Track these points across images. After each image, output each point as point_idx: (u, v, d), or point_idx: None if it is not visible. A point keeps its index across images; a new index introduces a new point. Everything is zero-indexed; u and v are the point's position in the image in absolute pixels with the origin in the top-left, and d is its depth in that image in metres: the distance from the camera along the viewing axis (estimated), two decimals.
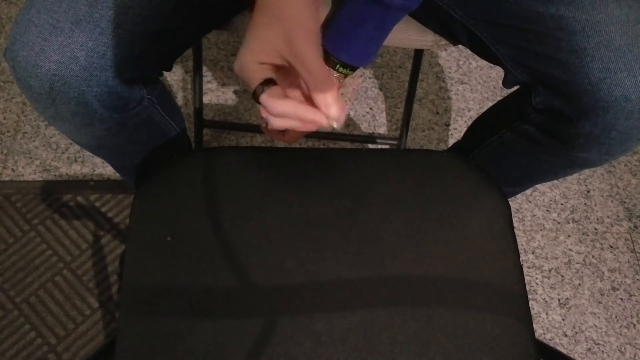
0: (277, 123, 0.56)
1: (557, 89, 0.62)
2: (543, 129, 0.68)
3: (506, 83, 0.70)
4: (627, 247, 1.17)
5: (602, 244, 1.17)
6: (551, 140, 0.68)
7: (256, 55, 0.55)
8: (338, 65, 0.63)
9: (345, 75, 0.66)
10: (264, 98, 0.55)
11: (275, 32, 0.53)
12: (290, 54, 0.53)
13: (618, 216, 1.20)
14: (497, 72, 1.36)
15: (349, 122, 1.28)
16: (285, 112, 0.55)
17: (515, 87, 0.71)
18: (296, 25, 0.53)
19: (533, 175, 0.80)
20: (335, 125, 0.56)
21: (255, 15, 0.54)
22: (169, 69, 0.69)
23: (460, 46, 0.75)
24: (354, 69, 0.65)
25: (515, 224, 1.13)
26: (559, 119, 0.64)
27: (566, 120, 0.63)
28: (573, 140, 0.65)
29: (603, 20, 0.58)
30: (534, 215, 1.19)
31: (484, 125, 0.85)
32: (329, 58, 0.64)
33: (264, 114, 0.56)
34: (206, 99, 1.28)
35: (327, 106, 0.55)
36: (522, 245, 1.16)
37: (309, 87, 0.54)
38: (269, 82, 0.55)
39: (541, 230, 1.18)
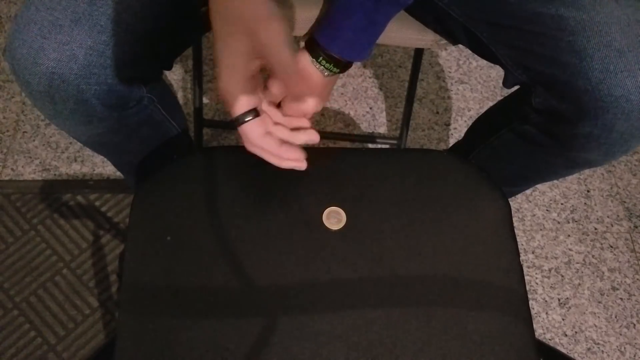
0: (254, 151, 0.58)
1: (556, 90, 0.62)
2: (543, 130, 0.68)
3: (506, 83, 0.69)
4: (627, 247, 1.17)
5: (602, 244, 1.17)
6: (551, 141, 0.68)
7: (234, 69, 0.53)
8: (320, 58, 0.63)
9: (333, 73, 0.65)
10: (243, 129, 0.56)
11: (240, 34, 0.51)
12: (259, 49, 0.52)
13: (618, 216, 1.20)
14: (497, 72, 1.36)
15: (349, 121, 1.28)
16: (263, 147, 0.57)
17: (516, 87, 0.71)
18: (257, 18, 0.51)
19: (533, 175, 0.80)
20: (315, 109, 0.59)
21: (217, 27, 0.53)
22: (169, 68, 0.69)
23: (460, 46, 0.75)
24: (339, 65, 0.64)
25: (515, 224, 1.13)
26: (558, 119, 0.64)
27: (566, 121, 0.63)
28: (573, 140, 0.65)
29: (603, 21, 0.58)
30: (534, 215, 1.19)
31: (485, 125, 0.85)
32: (315, 51, 0.63)
33: (245, 142, 0.57)
34: (206, 99, 1.28)
35: (302, 100, 0.56)
36: (522, 245, 1.16)
37: (282, 79, 0.54)
38: (251, 112, 0.56)
39: (541, 230, 1.18)
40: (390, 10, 0.62)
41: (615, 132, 0.61)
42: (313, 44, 0.63)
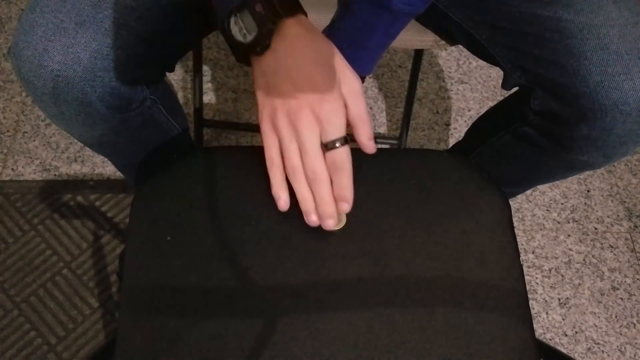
0: (305, 193, 0.56)
1: (555, 92, 0.62)
2: (542, 132, 0.68)
3: (505, 85, 0.70)
4: (627, 247, 1.17)
5: (602, 244, 1.17)
6: (550, 143, 0.68)
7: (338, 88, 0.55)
8: None
9: None
10: (341, 153, 0.55)
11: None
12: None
13: (618, 216, 1.20)
14: (497, 72, 1.36)
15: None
16: (349, 173, 0.55)
17: (515, 89, 0.72)
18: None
19: (532, 177, 0.80)
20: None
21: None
22: (171, 70, 0.69)
23: (460, 46, 0.75)
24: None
25: (515, 224, 1.13)
26: (557, 121, 0.64)
27: (564, 123, 0.63)
28: (571, 143, 0.65)
29: (601, 23, 0.58)
30: (534, 215, 1.19)
31: (484, 126, 0.85)
32: None
33: (318, 170, 0.55)
34: (206, 99, 1.28)
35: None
36: (522, 245, 1.16)
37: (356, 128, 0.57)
38: (344, 138, 0.55)
39: (541, 229, 1.18)
40: (405, 22, 0.63)
41: (613, 135, 0.61)
42: None
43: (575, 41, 0.58)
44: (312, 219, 0.56)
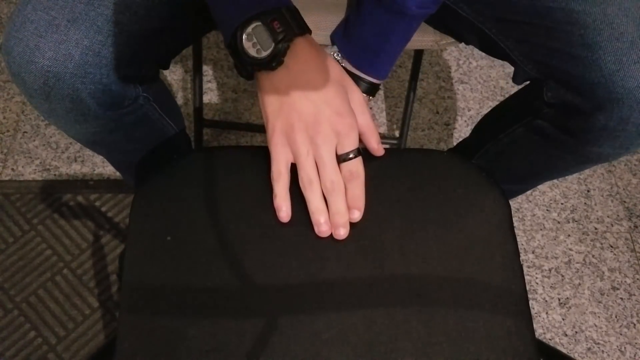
0: (319, 205, 0.57)
1: (569, 83, 0.62)
2: (556, 124, 0.68)
3: (516, 79, 0.69)
4: (627, 247, 1.17)
5: (602, 244, 1.17)
6: (564, 136, 0.67)
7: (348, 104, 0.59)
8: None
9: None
10: (357, 164, 0.58)
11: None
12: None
13: (618, 216, 1.20)
14: (497, 72, 1.36)
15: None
16: (362, 186, 0.58)
17: (525, 83, 0.71)
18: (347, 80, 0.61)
19: (543, 172, 0.79)
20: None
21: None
22: (166, 68, 0.69)
23: (460, 45, 0.75)
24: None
25: (515, 224, 1.13)
26: (572, 113, 0.63)
27: (580, 114, 0.62)
28: (587, 134, 0.64)
29: (614, 13, 0.58)
30: (534, 215, 1.19)
31: (493, 123, 0.84)
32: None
33: (331, 175, 0.57)
34: (206, 99, 1.28)
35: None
36: (522, 245, 1.16)
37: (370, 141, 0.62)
38: (357, 150, 0.59)
39: (541, 229, 1.18)
40: (420, 23, 0.63)
41: (630, 124, 0.60)
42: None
43: (589, 31, 0.58)
44: (324, 229, 0.57)
